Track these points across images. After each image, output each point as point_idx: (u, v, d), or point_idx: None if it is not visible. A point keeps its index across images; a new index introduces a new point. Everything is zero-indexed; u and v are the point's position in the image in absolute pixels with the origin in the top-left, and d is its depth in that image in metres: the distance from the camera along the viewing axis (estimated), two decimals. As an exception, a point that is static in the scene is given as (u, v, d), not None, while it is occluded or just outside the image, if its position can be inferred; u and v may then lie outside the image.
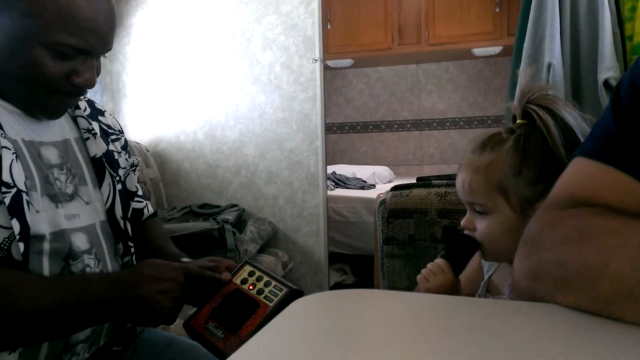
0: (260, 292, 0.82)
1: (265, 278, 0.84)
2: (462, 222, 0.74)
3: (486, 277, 0.81)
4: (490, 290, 0.81)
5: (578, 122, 0.69)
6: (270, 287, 0.82)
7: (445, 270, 0.77)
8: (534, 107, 0.69)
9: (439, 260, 0.78)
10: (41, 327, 0.69)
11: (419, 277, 0.79)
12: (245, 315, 0.79)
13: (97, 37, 0.76)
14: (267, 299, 0.81)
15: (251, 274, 0.86)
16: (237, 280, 0.85)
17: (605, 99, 1.68)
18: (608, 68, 1.65)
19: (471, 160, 0.73)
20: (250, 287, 0.83)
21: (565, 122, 0.68)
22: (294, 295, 0.81)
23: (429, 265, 0.79)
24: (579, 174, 0.51)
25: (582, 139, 0.68)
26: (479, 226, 0.72)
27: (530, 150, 0.68)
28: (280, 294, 0.80)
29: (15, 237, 0.69)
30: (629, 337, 0.37)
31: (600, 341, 0.38)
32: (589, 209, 0.46)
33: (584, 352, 0.36)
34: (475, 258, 0.86)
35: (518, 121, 0.72)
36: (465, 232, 0.75)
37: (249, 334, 0.76)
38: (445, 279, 0.76)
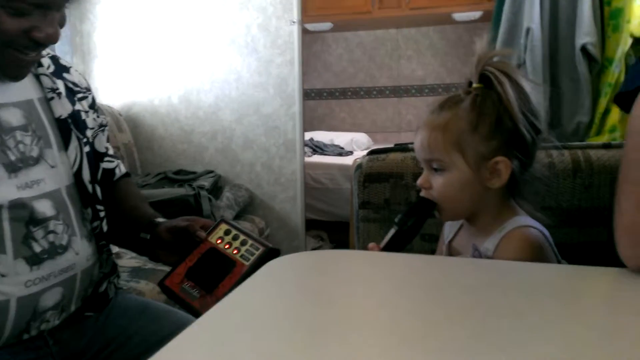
0: (236, 251, 0.81)
1: (242, 237, 0.83)
2: (419, 181, 0.76)
3: (446, 242, 0.82)
4: (452, 255, 0.82)
5: (531, 89, 0.72)
6: (247, 246, 0.81)
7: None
8: (491, 69, 0.71)
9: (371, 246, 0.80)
10: None
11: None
12: (221, 275, 0.79)
13: None
14: (243, 258, 0.80)
15: (227, 232, 0.84)
16: (213, 239, 0.84)
17: (582, 64, 1.69)
18: (586, 33, 1.65)
19: (430, 119, 0.75)
20: (227, 246, 0.82)
21: (521, 87, 0.71)
22: (270, 254, 0.80)
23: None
24: None
25: (536, 106, 0.71)
26: (436, 184, 0.73)
27: (486, 108, 0.71)
28: (257, 252, 0.80)
29: None
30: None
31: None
32: None
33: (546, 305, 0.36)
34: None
35: (474, 85, 0.74)
36: (422, 193, 0.76)
37: (225, 293, 0.76)
38: None
